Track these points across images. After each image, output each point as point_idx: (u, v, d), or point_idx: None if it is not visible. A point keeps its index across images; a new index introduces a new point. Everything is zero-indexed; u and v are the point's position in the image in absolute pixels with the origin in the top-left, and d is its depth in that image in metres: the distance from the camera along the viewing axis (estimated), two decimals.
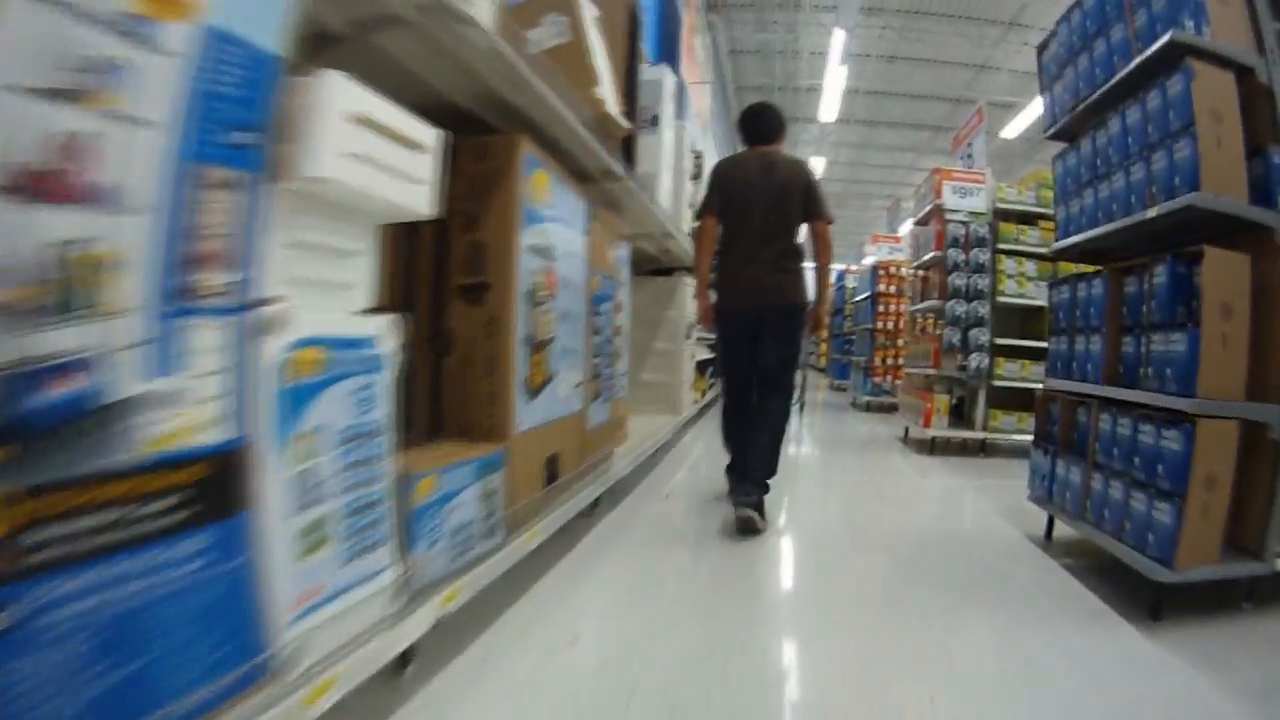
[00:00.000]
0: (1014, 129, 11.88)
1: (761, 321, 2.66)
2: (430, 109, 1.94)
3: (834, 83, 10.26)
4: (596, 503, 2.62)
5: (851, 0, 7.68)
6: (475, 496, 1.62)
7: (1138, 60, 2.08)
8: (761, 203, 2.65)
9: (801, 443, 5.11)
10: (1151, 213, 1.98)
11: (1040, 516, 2.64)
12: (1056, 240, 2.66)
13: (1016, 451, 4.35)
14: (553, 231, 2.04)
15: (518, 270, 1.81)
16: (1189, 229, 1.99)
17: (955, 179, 4.65)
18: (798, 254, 2.70)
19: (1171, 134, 1.92)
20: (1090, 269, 2.50)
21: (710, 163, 3.48)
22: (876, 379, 7.23)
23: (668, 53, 4.39)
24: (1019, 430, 4.16)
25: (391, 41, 1.44)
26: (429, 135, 1.27)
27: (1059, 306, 2.60)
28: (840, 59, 8.98)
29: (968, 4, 9.60)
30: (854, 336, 8.65)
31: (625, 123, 2.51)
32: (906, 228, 8.81)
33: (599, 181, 2.61)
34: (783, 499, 3.15)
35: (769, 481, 2.60)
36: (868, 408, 7.33)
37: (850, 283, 9.67)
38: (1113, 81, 2.22)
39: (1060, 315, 2.58)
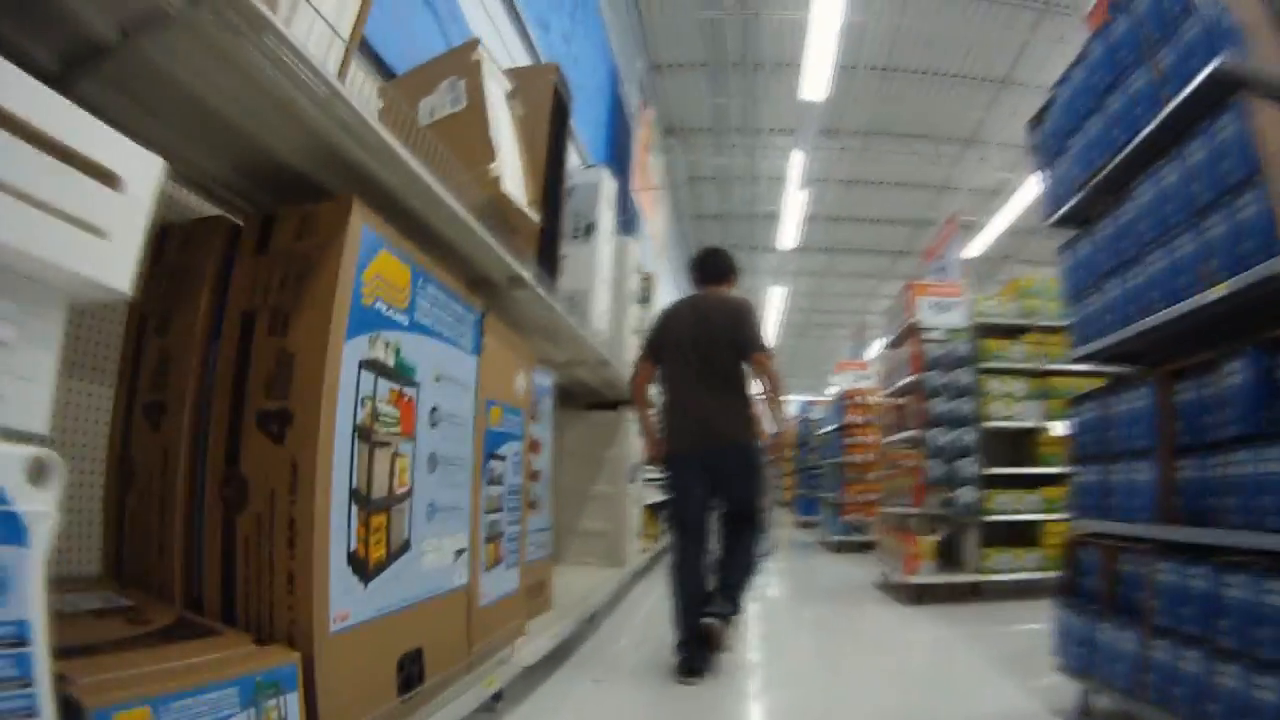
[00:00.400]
0: (977, 246, 11.79)
1: (717, 466, 2.54)
2: (250, 168, 1.55)
3: (793, 208, 10.38)
4: (499, 697, 2.00)
5: (809, 122, 7.87)
6: None
7: (1170, 107, 1.73)
8: (692, 344, 2.60)
9: (766, 591, 4.50)
10: (1217, 293, 1.58)
11: (1058, 679, 2.12)
12: (1075, 347, 2.25)
13: (1013, 593, 3.88)
14: (412, 345, 1.61)
15: (337, 394, 1.35)
16: (1259, 310, 1.58)
17: (931, 293, 4.41)
18: (740, 392, 2.61)
19: (1229, 189, 1.56)
20: (1097, 380, 2.07)
21: (661, 287, 3.17)
22: (847, 516, 6.81)
23: (615, 159, 4.17)
24: (1017, 568, 3.82)
25: (174, 56, 1.06)
26: (134, 160, 0.85)
27: (1084, 429, 2.16)
28: (800, 183, 9.13)
29: (925, 123, 9.81)
30: (821, 471, 8.23)
31: (534, 215, 2.17)
32: (874, 351, 8.66)
33: (505, 290, 2.22)
34: (745, 667, 2.57)
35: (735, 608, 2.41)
36: (839, 548, 6.82)
37: (815, 414, 9.49)
38: (1138, 140, 1.86)
39: (1086, 439, 2.14)
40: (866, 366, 8.54)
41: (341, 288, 1.37)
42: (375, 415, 1.48)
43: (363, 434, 1.43)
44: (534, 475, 2.59)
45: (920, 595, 3.84)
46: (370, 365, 1.46)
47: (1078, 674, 2.05)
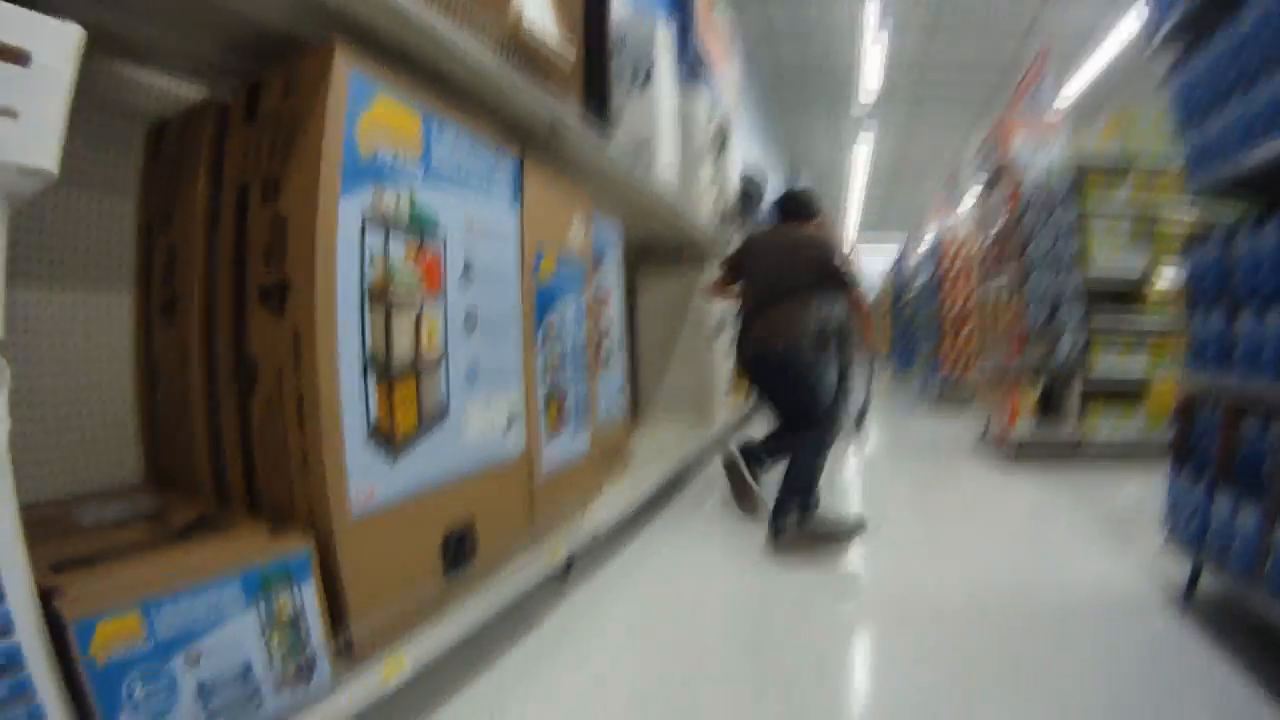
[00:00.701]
0: (1071, 92, 10.11)
1: (765, 370, 2.61)
2: (232, 40, 1.34)
3: (873, 57, 9.54)
4: (569, 567, 1.93)
5: None
6: (246, 634, 0.98)
7: None
8: (767, 268, 2.66)
9: (862, 448, 4.29)
10: None
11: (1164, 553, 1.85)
12: (1190, 179, 1.86)
13: (1117, 455, 3.58)
14: (431, 196, 1.38)
15: (335, 255, 1.14)
16: None
17: (1025, 130, 3.88)
18: (802, 304, 2.55)
19: None
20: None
21: (738, 141, 3.42)
22: (945, 370, 6.47)
23: (676, 6, 3.61)
24: (1121, 428, 3.53)
25: None
26: (44, 34, 0.76)
27: (1203, 271, 1.75)
28: (878, 30, 8.16)
29: None
30: (917, 323, 7.76)
31: (567, 54, 1.81)
32: (968, 200, 7.98)
33: (547, 137, 1.93)
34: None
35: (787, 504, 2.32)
36: (936, 402, 6.53)
37: (911, 263, 9.05)
38: None
39: (1205, 283, 1.77)
40: (960, 214, 7.77)
41: (329, 140, 1.15)
42: (390, 275, 1.27)
43: (375, 295, 1.23)
44: (602, 331, 2.38)
45: (1019, 454, 3.61)
46: (377, 221, 1.24)
47: (1187, 549, 1.75)
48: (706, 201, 3.93)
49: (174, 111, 1.43)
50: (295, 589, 1.06)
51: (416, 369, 1.34)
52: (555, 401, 1.87)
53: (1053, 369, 3.64)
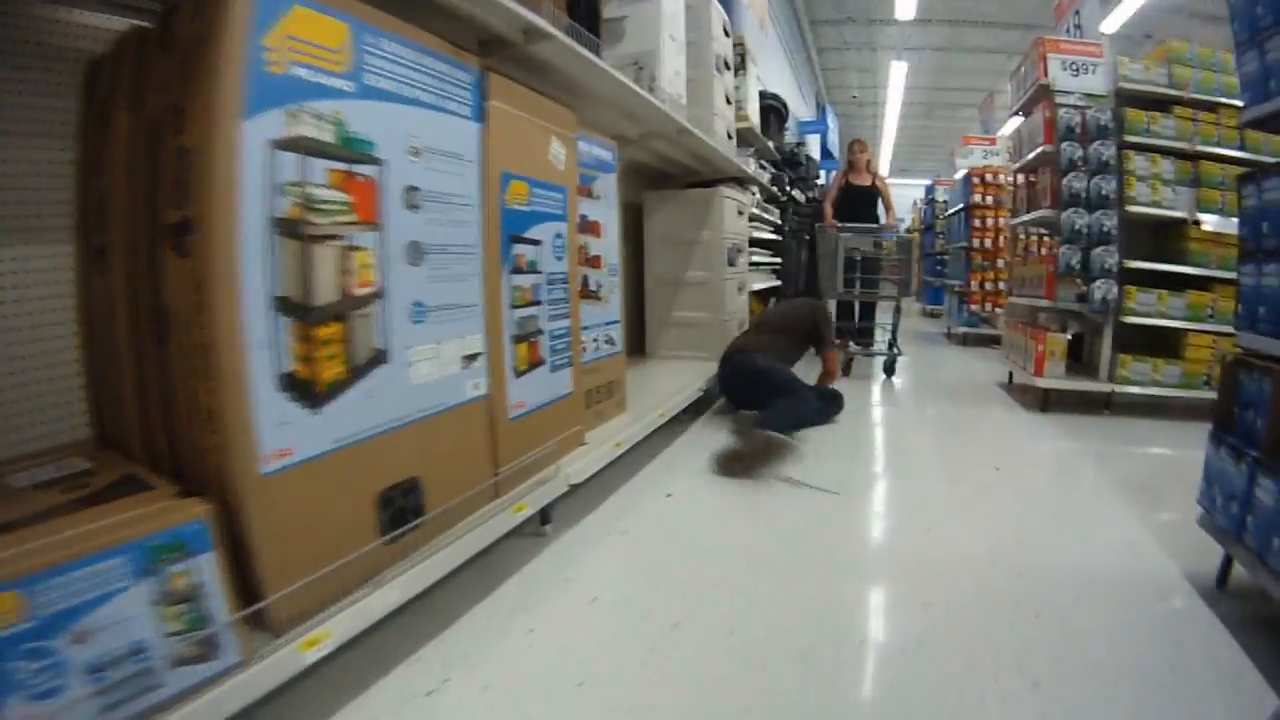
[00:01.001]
0: (1114, 22, 9.14)
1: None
2: None
3: None
4: (546, 519, 1.83)
5: None
6: (136, 609, 0.90)
7: None
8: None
9: (883, 390, 4.08)
10: None
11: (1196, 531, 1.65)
12: (1250, 106, 1.59)
13: (1149, 408, 3.35)
14: (365, 115, 1.22)
15: (235, 184, 1.00)
16: None
17: (1064, 51, 3.54)
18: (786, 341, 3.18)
19: None
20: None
21: (766, 63, 3.56)
22: (973, 306, 6.27)
23: None
24: (1154, 382, 3.27)
25: None
26: None
27: (1261, 215, 1.46)
28: None
29: None
30: (946, 256, 7.49)
31: None
32: (1005, 129, 7.68)
33: (522, 47, 1.72)
34: (853, 476, 2.34)
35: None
36: (964, 340, 6.32)
37: (940, 195, 8.83)
38: None
39: (1263, 230, 1.52)
40: (995, 142, 7.61)
41: (227, 59, 1.01)
42: (308, 204, 1.11)
43: (286, 228, 1.08)
44: (591, 261, 2.20)
45: (1046, 401, 3.41)
46: (291, 144, 1.09)
47: (1222, 535, 1.57)
48: (723, 121, 3.72)
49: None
50: (192, 559, 0.96)
51: (343, 309, 1.19)
52: (528, 339, 1.72)
53: (1085, 313, 3.40)
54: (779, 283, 5.73)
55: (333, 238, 1.17)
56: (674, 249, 3.72)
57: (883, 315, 5.10)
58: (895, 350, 4.37)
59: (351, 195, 1.20)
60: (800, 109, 12.52)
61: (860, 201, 5.21)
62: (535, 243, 1.74)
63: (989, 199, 6.35)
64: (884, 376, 4.36)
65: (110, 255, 1.24)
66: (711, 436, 2.90)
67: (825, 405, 3.10)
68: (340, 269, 1.19)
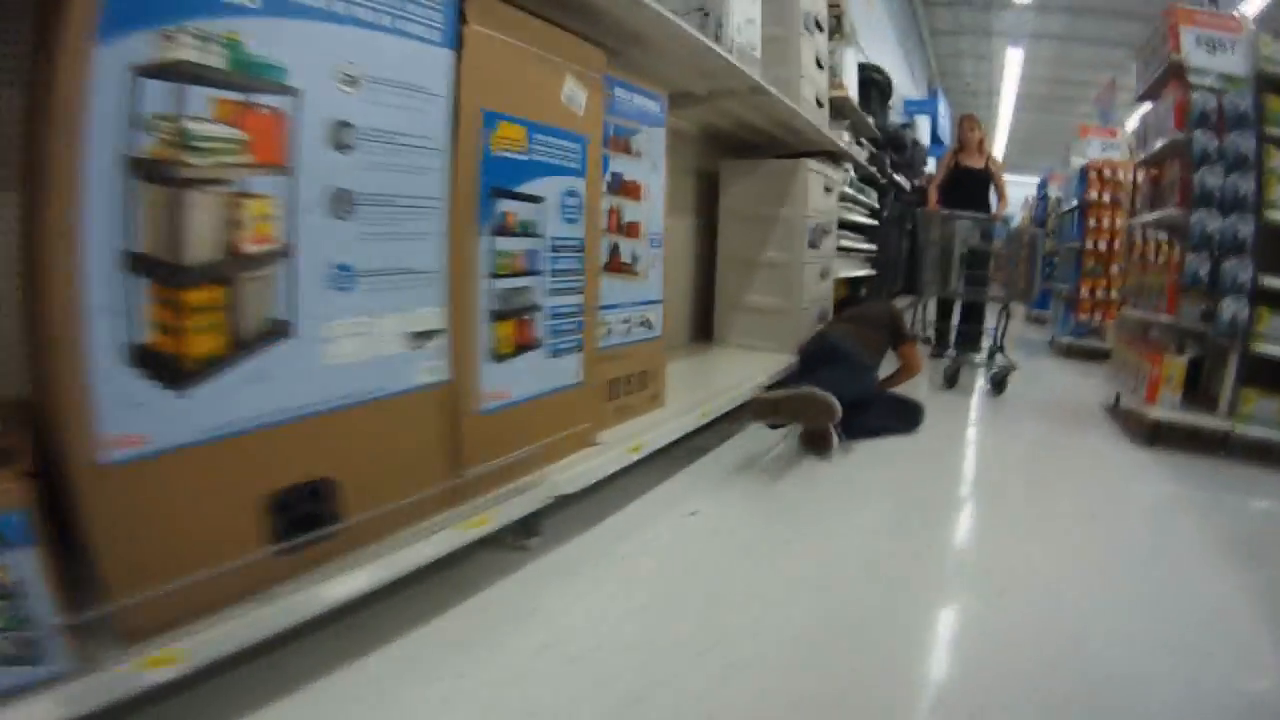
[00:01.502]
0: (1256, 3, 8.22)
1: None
2: None
3: None
4: (531, 531, 1.59)
5: None
6: None
7: None
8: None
9: (974, 405, 3.57)
10: None
11: None
12: None
13: (1273, 455, 2.73)
14: (276, 35, 1.03)
15: (81, 120, 0.86)
16: None
17: (1199, 24, 3.02)
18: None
19: None
20: None
21: (871, 35, 3.72)
22: (1082, 315, 5.73)
23: None
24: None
25: None
26: None
27: None
28: None
29: None
30: (1056, 258, 6.82)
31: None
32: (1129, 123, 7.28)
33: None
34: (917, 510, 1.98)
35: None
36: (1068, 351, 5.75)
37: (1053, 192, 8.19)
38: None
39: None
40: (1116, 134, 7.03)
41: None
42: (181, 142, 0.91)
43: (147, 171, 0.89)
44: (626, 228, 1.92)
45: (1155, 434, 2.95)
46: (161, 70, 0.90)
47: None
48: (811, 86, 3.39)
49: None
50: (9, 553, 0.81)
51: (227, 271, 0.99)
52: (516, 317, 1.48)
53: (1209, 336, 2.84)
54: (873, 272, 5.32)
55: (215, 182, 0.97)
56: (751, 226, 3.41)
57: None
58: (1004, 362, 3.79)
59: (248, 132, 1.00)
60: (910, 93, 12.35)
61: (971, 186, 4.65)
62: (533, 200, 1.48)
63: (1106, 196, 5.84)
64: (987, 390, 3.77)
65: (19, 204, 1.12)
66: (770, 439, 2.58)
67: (900, 416, 2.83)
68: (225, 221, 0.99)
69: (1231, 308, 2.73)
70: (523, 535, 1.60)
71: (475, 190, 1.34)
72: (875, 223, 5.45)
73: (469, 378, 1.39)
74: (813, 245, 3.41)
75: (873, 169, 5.22)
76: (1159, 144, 3.19)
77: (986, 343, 4.12)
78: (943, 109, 11.79)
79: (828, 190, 3.68)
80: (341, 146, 1.12)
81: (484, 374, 1.42)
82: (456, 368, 1.36)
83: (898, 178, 6.38)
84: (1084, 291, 5.80)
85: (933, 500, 2.11)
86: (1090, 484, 2.44)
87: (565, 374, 1.65)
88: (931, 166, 7.98)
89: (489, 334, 1.42)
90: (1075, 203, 6.18)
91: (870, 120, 5.04)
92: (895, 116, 6.84)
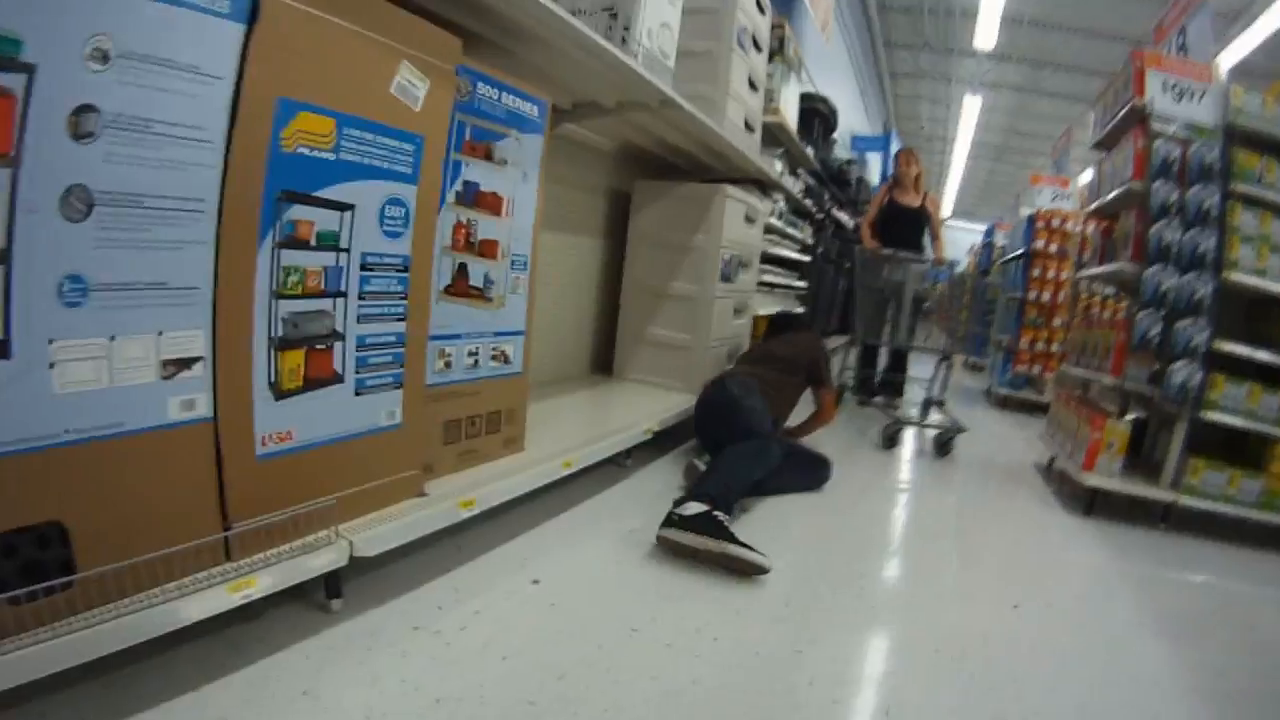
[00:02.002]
0: (1231, 56, 9.26)
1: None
2: None
3: (992, 3, 9.88)
4: (335, 592, 1.49)
5: None
6: None
7: None
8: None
9: (895, 461, 3.62)
10: None
11: None
12: None
13: (1217, 529, 2.90)
14: None
15: None
16: None
17: (1166, 68, 3.16)
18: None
19: None
20: None
21: (828, 74, 4.14)
22: (1020, 366, 6.18)
23: None
24: (1227, 497, 2.88)
25: None
26: None
27: None
28: None
29: None
30: (996, 306, 7.43)
31: None
32: (1082, 178, 8.02)
33: None
34: (809, 590, 1.92)
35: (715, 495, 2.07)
36: (1004, 403, 6.23)
37: (999, 239, 9.08)
38: None
39: None
40: (1068, 184, 7.69)
41: None
42: None
43: None
44: (479, 247, 1.85)
45: (1092, 502, 3.04)
46: None
47: None
48: (739, 107, 3.49)
49: None
50: None
51: None
52: (307, 345, 1.38)
53: (1156, 400, 2.95)
54: (800, 309, 5.49)
55: None
56: (661, 253, 3.44)
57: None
58: (950, 422, 3.84)
59: None
60: (863, 131, 13.59)
61: (904, 224, 4.84)
62: (340, 207, 1.40)
63: (1054, 247, 6.26)
64: (931, 451, 3.81)
65: None
66: (665, 483, 2.55)
67: (804, 470, 2.79)
68: None
69: (1184, 371, 2.82)
70: (327, 593, 1.50)
71: (257, 193, 1.25)
72: (807, 258, 5.61)
73: (239, 416, 1.28)
74: (726, 279, 3.42)
75: (807, 202, 5.37)
76: (1115, 192, 3.28)
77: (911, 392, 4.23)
78: (895, 147, 12.78)
79: (749, 221, 3.73)
80: (81, 135, 1.02)
81: (260, 412, 1.31)
82: (222, 404, 1.25)
83: (840, 215, 6.67)
84: (1024, 342, 6.12)
85: (835, 572, 2.07)
86: (1018, 559, 2.47)
87: (377, 415, 1.55)
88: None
89: (270, 365, 1.32)
90: (1021, 250, 6.53)
91: (810, 152, 5.20)
92: (843, 152, 7.22)
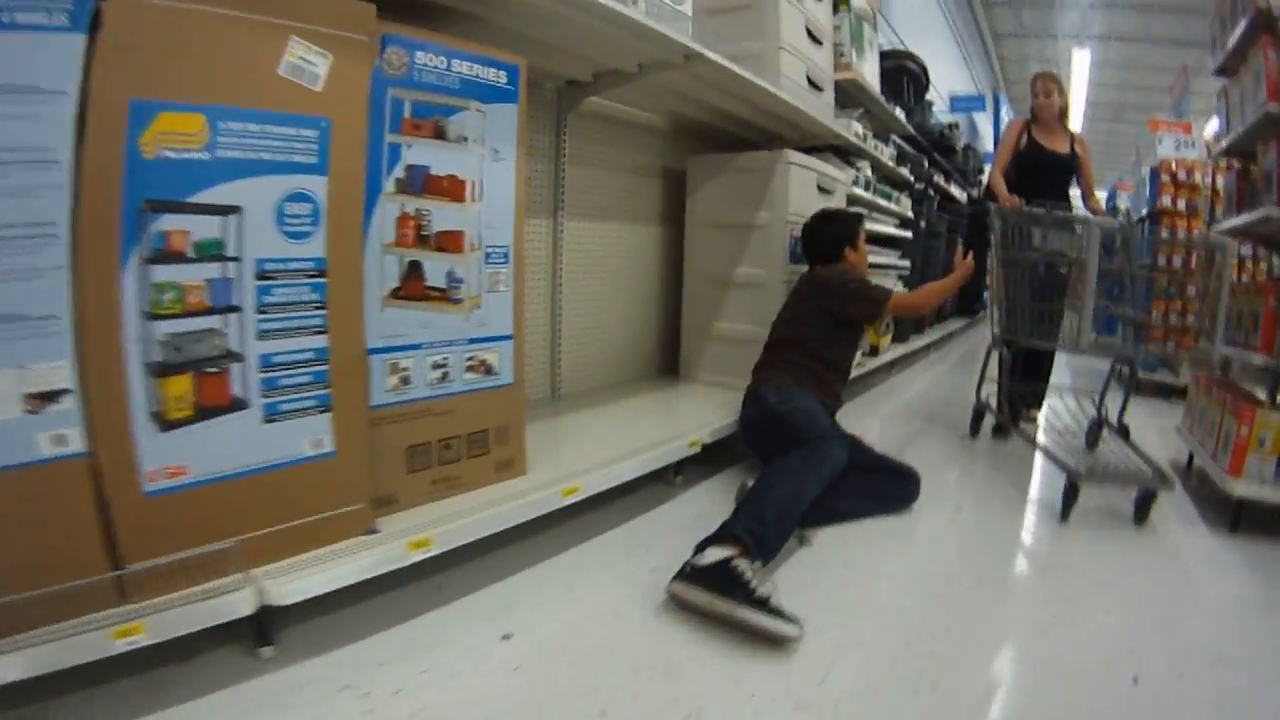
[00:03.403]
0: None
1: None
2: None
3: None
4: (265, 639, 1.72)
5: None
6: None
7: None
8: None
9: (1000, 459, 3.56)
10: None
11: None
12: None
13: None
14: None
15: None
16: None
17: None
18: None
19: None
20: None
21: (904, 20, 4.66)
22: (1152, 344, 5.83)
23: None
24: None
25: None
26: None
27: None
28: None
29: None
30: (1124, 279, 6.75)
31: None
32: (1209, 129, 8.40)
33: None
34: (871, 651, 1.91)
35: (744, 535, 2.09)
36: (1138, 388, 5.90)
37: (1123, 202, 9.48)
38: None
39: None
40: (1190, 129, 8.08)
41: None
42: None
43: None
44: (438, 240, 2.02)
45: (1240, 516, 2.91)
46: None
47: None
48: (798, 61, 3.64)
49: None
50: None
51: None
52: (195, 369, 1.61)
53: None
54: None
55: None
56: (722, 235, 3.62)
57: None
58: (1146, 470, 3.16)
59: None
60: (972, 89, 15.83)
61: (1049, 175, 4.33)
62: (221, 211, 1.62)
63: (1181, 203, 6.41)
64: (1131, 516, 3.04)
65: None
66: (713, 507, 2.62)
67: (876, 484, 2.77)
68: None
69: None
70: (256, 640, 1.73)
71: (113, 208, 1.48)
72: (907, 234, 5.97)
73: (119, 450, 1.52)
74: (797, 259, 3.46)
75: (902, 170, 5.60)
76: (1246, 125, 3.24)
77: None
78: (1007, 113, 15.14)
79: (824, 191, 3.81)
80: None
81: (144, 445, 1.55)
82: (98, 437, 1.51)
83: (950, 187, 7.14)
84: (1155, 316, 6.18)
85: (892, 637, 1.99)
86: (1142, 598, 2.32)
87: (297, 443, 1.76)
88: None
89: (150, 393, 1.56)
90: (1145, 211, 6.84)
91: (899, 113, 5.42)
92: (943, 117, 7.88)
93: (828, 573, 2.28)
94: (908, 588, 2.27)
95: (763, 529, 2.11)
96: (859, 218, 3.25)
